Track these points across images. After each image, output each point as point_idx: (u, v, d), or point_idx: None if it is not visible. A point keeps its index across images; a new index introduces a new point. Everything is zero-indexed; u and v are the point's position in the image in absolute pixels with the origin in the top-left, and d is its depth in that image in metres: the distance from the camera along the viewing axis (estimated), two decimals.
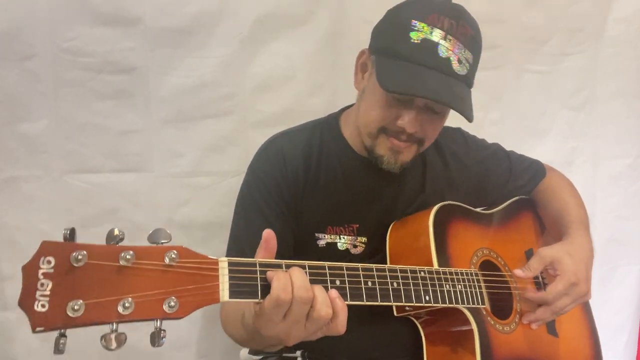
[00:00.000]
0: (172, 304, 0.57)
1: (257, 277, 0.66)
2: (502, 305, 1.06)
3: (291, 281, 0.64)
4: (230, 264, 0.64)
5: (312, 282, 0.68)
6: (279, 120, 1.35)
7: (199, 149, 1.35)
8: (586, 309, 1.22)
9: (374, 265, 0.80)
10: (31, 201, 1.29)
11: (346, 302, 0.71)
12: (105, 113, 1.27)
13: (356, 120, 1.04)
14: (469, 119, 0.91)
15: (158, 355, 1.43)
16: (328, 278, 0.73)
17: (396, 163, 0.99)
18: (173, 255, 0.59)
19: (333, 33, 1.37)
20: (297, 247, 1.05)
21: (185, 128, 1.33)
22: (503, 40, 1.51)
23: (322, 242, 1.04)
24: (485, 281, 1.03)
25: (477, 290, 0.98)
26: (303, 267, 0.70)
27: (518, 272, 1.04)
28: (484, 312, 1.00)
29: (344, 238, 1.05)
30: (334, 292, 0.69)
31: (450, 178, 1.15)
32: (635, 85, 1.67)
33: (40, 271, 0.52)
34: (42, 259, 0.52)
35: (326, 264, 0.74)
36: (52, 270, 0.52)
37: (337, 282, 0.73)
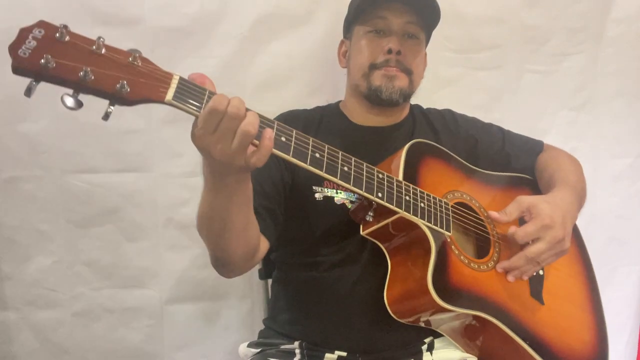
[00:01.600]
0: (124, 85, 0.70)
1: (203, 98, 0.75)
2: (477, 247, 1.05)
3: (228, 100, 0.74)
4: (181, 78, 0.75)
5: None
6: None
7: None
8: (594, 299, 1.17)
9: (327, 145, 0.86)
10: (31, 201, 1.29)
11: (286, 155, 0.80)
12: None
13: (349, 80, 1.19)
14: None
15: (158, 356, 1.43)
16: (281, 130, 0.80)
17: (394, 88, 1.10)
18: (136, 57, 0.72)
19: (333, 33, 1.37)
20: (295, 200, 1.06)
21: (185, 128, 1.32)
22: (503, 40, 1.52)
23: (319, 196, 1.05)
24: (457, 215, 1.02)
25: (443, 216, 0.98)
26: (272, 123, 0.80)
27: (494, 214, 1.02)
28: (449, 240, 0.98)
29: (341, 193, 1.06)
30: (269, 132, 0.77)
31: (440, 142, 1.16)
32: (635, 85, 1.67)
33: (31, 34, 0.66)
34: (35, 28, 0.67)
35: (294, 130, 0.83)
36: (39, 36, 0.67)
37: (283, 139, 0.80)
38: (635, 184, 1.73)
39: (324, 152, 0.85)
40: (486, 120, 1.30)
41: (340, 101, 1.26)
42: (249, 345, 1.15)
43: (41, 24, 0.68)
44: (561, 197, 1.07)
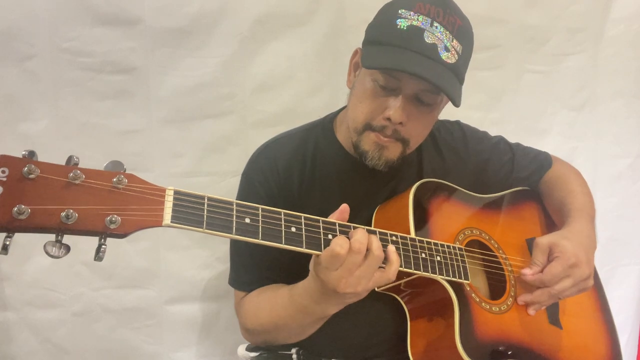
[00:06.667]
0: (114, 219, 0.61)
1: (203, 209, 0.67)
2: (493, 285, 1.04)
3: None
4: (176, 192, 0.67)
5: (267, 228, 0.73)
6: (279, 120, 1.35)
7: (199, 149, 1.35)
8: (603, 306, 1.18)
9: (337, 221, 0.80)
10: None
11: (300, 248, 0.76)
12: (105, 113, 1.27)
13: (346, 117, 1.03)
14: (455, 102, 0.90)
15: (158, 356, 1.43)
16: (283, 223, 0.75)
17: (380, 159, 0.97)
18: (121, 178, 0.63)
19: (333, 33, 1.37)
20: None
21: (185, 128, 1.33)
22: (503, 40, 1.52)
23: None
24: (470, 257, 1.00)
25: (460, 264, 0.96)
26: (278, 213, 0.75)
27: (526, 271, 1.01)
28: (468, 288, 0.97)
29: None
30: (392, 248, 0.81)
31: (448, 170, 1.13)
32: (635, 85, 1.67)
33: None
34: None
35: (281, 211, 0.76)
36: (4, 179, 0.57)
37: (293, 229, 0.76)
38: (635, 184, 1.73)
39: (335, 230, 0.79)
40: (486, 121, 1.29)
41: (336, 114, 1.13)
42: (247, 349, 1.15)
43: (2, 160, 0.58)
44: (579, 229, 1.05)
